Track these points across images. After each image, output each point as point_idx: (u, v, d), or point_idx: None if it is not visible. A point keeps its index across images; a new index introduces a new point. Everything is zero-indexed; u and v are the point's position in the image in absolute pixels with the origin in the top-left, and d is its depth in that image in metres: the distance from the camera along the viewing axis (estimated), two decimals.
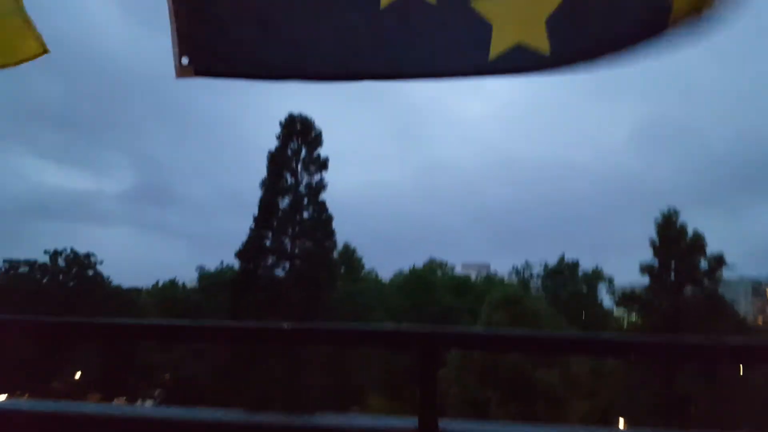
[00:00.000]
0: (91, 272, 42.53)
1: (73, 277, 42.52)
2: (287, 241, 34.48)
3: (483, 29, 1.74)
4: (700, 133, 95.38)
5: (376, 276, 43.54)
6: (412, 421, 1.65)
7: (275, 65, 1.97)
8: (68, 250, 42.89)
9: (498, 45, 1.74)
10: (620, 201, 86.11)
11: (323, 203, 34.55)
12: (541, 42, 1.72)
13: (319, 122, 35.28)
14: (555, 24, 1.71)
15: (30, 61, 2.26)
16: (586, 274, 41.74)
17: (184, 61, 2.03)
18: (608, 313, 42.40)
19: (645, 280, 37.78)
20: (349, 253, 42.56)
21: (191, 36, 2.00)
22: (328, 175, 35.18)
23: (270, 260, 34.87)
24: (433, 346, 1.64)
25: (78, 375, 38.85)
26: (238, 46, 1.97)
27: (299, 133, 34.50)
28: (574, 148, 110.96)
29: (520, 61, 1.75)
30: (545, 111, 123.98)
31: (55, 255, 42.77)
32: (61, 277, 43.09)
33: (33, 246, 69.07)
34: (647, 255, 37.21)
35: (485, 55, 1.76)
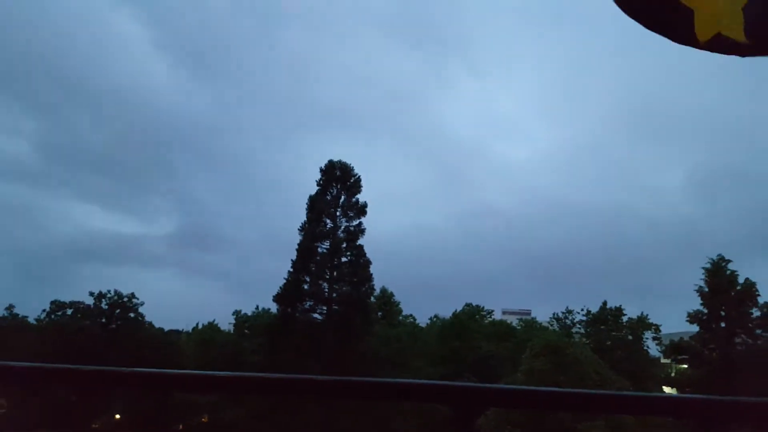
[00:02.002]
0: (132, 314, 43.24)
1: (116, 318, 43.28)
2: (325, 286, 34.58)
3: None
4: (758, 179, 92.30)
5: (414, 321, 43.14)
6: None
7: None
8: (112, 292, 44.02)
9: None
10: (671, 247, 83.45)
11: (361, 248, 34.73)
12: (738, 32, 1.73)
13: (362, 165, 35.99)
14: (751, 11, 1.72)
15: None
16: (631, 321, 40.38)
17: None
18: (654, 362, 40.77)
19: (693, 328, 36.56)
20: (386, 297, 42.32)
21: None
22: (369, 219, 35.69)
23: (307, 304, 34.96)
24: (470, 403, 1.59)
25: (118, 416, 39.26)
26: None
27: (338, 179, 35.08)
28: (625, 192, 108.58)
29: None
30: (594, 154, 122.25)
31: (99, 297, 43.79)
32: (103, 318, 43.96)
33: (79, 288, 71.18)
34: (695, 303, 36.09)
35: None
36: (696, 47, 1.77)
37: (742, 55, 1.76)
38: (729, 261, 36.25)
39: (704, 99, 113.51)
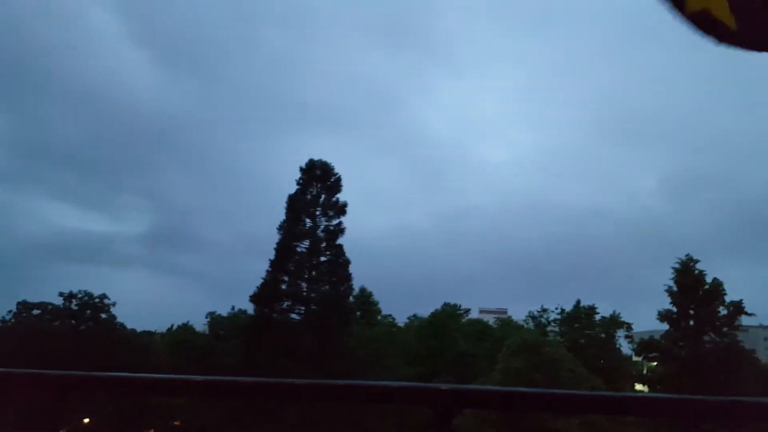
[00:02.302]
0: (104, 315, 42.20)
1: (86, 319, 42.19)
2: (303, 285, 34.37)
3: None
4: (728, 182, 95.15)
5: (393, 320, 43.23)
6: None
7: None
8: (82, 293, 42.81)
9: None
10: (644, 247, 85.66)
11: (341, 247, 34.62)
12: (725, 14, 1.66)
13: (343, 165, 35.97)
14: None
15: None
16: (604, 319, 41.22)
17: None
18: (627, 360, 41.69)
19: (664, 326, 37.40)
20: (365, 297, 42.30)
21: None
22: (349, 219, 35.57)
23: (285, 304, 34.67)
24: (448, 404, 1.56)
25: (86, 420, 38.21)
26: None
27: (319, 178, 34.93)
28: (600, 193, 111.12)
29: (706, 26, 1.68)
30: (570, 157, 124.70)
31: (69, 297, 42.61)
32: (73, 320, 42.81)
33: (49, 288, 68.95)
34: (666, 302, 36.91)
35: None
36: (680, 14, 1.68)
37: (720, 40, 1.68)
38: (697, 261, 37.16)
39: (680, 104, 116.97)
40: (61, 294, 42.34)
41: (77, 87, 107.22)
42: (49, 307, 42.87)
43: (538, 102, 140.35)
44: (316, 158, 35.68)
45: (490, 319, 44.27)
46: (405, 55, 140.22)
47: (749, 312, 36.50)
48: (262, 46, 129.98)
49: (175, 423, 38.18)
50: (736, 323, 37.13)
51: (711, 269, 36.23)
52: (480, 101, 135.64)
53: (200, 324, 44.63)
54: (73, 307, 42.65)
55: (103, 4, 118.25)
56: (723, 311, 36.32)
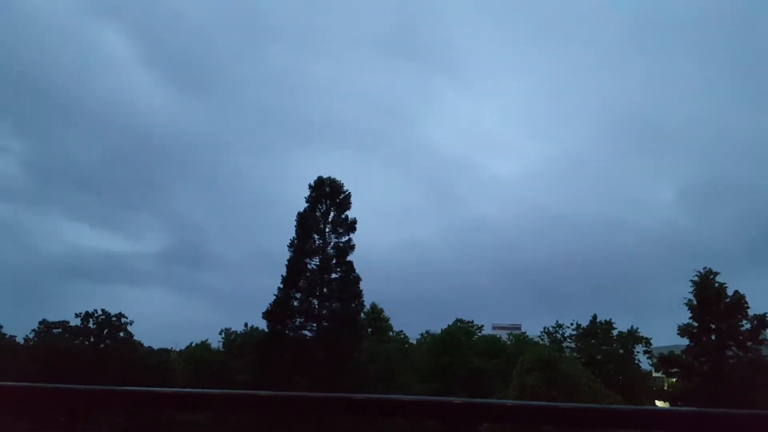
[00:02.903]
0: (122, 333, 42.84)
1: (104, 338, 42.85)
2: (315, 302, 34.40)
3: None
4: (749, 190, 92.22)
5: (404, 337, 42.98)
6: None
7: None
8: (99, 312, 43.57)
9: None
10: (662, 260, 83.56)
11: (351, 264, 34.59)
12: None
13: (352, 181, 36.03)
14: None
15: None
16: (621, 335, 40.25)
17: None
18: (646, 376, 40.62)
19: (684, 341, 36.33)
20: (376, 313, 42.18)
21: None
22: (358, 235, 35.44)
23: (297, 321, 34.71)
24: (461, 419, 1.56)
25: None
26: None
27: (328, 195, 35.02)
28: (615, 204, 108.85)
29: None
30: (583, 168, 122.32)
31: (86, 317, 43.37)
32: (92, 338, 43.52)
33: (68, 307, 70.73)
34: (686, 317, 35.92)
35: None
36: None
37: None
38: (717, 273, 36.21)
39: (694, 111, 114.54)
40: (77, 314, 43.12)
41: (93, 109, 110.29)
42: (69, 326, 43.76)
43: (547, 112, 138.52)
44: (324, 174, 35.86)
45: (503, 335, 43.56)
46: (411, 68, 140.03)
47: None
48: (270, 63, 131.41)
49: None
50: (761, 337, 35.93)
51: (734, 281, 35.30)
52: (487, 113, 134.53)
53: (215, 340, 45.06)
54: (91, 326, 43.45)
55: (114, 25, 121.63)
56: (746, 325, 35.30)
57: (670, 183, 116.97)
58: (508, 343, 40.19)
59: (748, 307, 35.84)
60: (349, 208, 35.37)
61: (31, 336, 43.99)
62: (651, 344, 41.59)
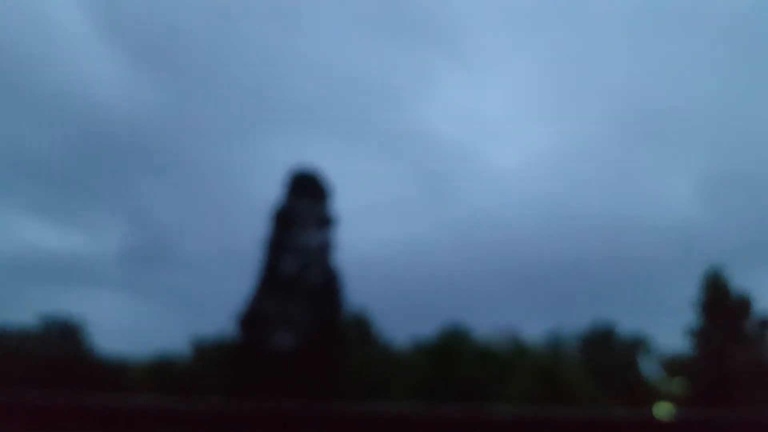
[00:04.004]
0: (75, 340, 39.61)
1: (55, 344, 39.59)
2: (293, 307, 31.34)
3: None
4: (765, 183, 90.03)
5: (393, 344, 40.23)
6: None
7: None
8: (54, 315, 40.28)
9: None
10: (668, 258, 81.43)
11: (334, 264, 31.68)
12: None
13: (336, 171, 33.02)
14: None
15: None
16: (625, 338, 39.07)
17: None
18: (650, 379, 39.56)
19: (689, 343, 35.57)
20: (363, 318, 39.48)
21: None
22: (346, 231, 32.77)
23: (273, 328, 31.67)
24: (458, 427, 1.25)
25: None
26: None
27: (308, 187, 32.08)
28: (623, 198, 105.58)
29: None
30: (591, 160, 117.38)
31: (40, 319, 40.21)
32: (45, 343, 40.03)
33: (17, 310, 65.38)
34: (691, 317, 35.18)
35: None
36: None
37: None
38: (723, 273, 35.83)
39: (707, 100, 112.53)
40: (32, 316, 39.80)
41: (44, 92, 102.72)
42: (17, 329, 40.14)
43: (552, 100, 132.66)
44: (305, 163, 32.88)
45: (500, 340, 41.57)
46: (404, 45, 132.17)
47: None
48: (244, 41, 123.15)
49: None
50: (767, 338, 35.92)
51: (745, 280, 34.39)
52: (489, 99, 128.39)
53: (181, 345, 41.80)
54: (45, 330, 40.11)
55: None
56: (753, 325, 35.03)
57: (684, 175, 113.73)
58: (505, 348, 38.26)
59: (751, 307, 35.75)
60: (332, 202, 32.44)
61: None
62: (656, 346, 40.76)
